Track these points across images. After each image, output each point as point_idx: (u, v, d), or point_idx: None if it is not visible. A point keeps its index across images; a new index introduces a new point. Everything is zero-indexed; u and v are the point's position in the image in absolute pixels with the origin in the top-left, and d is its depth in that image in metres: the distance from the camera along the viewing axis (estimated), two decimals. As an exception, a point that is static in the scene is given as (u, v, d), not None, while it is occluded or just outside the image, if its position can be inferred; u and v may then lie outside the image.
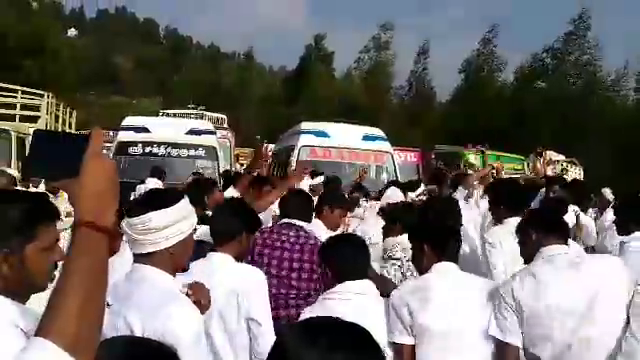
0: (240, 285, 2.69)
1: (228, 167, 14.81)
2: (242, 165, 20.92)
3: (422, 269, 2.93)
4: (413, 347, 2.72)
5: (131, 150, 11.50)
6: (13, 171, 7.85)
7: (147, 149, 11.51)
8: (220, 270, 2.70)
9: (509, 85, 44.36)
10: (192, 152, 11.71)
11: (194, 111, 23.25)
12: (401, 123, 40.39)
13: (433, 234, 2.92)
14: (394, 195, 5.79)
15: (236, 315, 2.66)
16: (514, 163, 16.61)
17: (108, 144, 17.23)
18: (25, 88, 14.55)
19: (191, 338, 1.95)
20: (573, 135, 30.56)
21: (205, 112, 22.69)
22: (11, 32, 37.79)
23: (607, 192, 6.70)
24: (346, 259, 2.74)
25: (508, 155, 17.15)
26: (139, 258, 2.09)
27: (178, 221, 2.05)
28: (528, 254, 2.89)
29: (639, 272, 2.83)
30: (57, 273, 1.79)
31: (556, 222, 2.94)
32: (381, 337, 2.62)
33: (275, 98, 52.18)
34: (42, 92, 14.27)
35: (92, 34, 73.71)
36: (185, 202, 2.12)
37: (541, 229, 2.85)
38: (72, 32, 79.45)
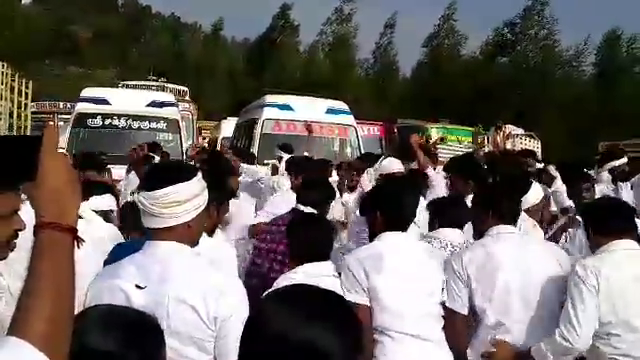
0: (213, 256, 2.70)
1: (190, 141, 14.67)
2: (205, 139, 20.71)
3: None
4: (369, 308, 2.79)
5: (90, 122, 11.24)
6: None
7: (107, 121, 11.28)
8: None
9: (470, 60, 44.82)
10: (153, 125, 11.52)
11: (155, 83, 22.77)
12: (365, 96, 40.46)
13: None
14: (392, 165, 5.43)
15: None
16: (462, 135, 16.88)
17: (66, 116, 16.85)
18: (-22, 58, 14.01)
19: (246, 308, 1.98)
20: (532, 109, 31.16)
21: (166, 84, 22.26)
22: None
23: (551, 169, 6.89)
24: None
25: (468, 129, 17.41)
26: (156, 233, 2.02)
27: (198, 194, 2.03)
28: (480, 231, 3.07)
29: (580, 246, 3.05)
30: (16, 242, 1.79)
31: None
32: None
33: (239, 70, 51.51)
34: (-4, 62, 13.77)
35: (47, 2, 71.21)
36: (200, 175, 2.10)
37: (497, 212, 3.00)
38: (27, 0, 76.64)
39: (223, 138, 16.73)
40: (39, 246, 1.08)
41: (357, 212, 4.55)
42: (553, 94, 35.04)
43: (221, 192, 2.99)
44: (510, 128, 15.91)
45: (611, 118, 31.28)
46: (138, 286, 1.92)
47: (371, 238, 3.03)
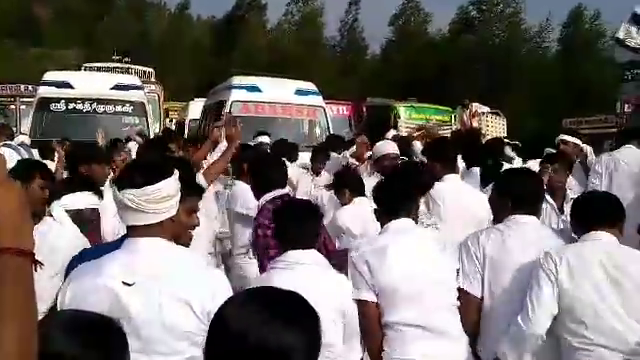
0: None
1: (157, 123, 14.47)
2: (172, 121, 20.43)
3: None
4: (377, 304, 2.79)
5: (53, 106, 11.02)
6: None
7: (70, 105, 11.07)
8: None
9: (437, 38, 45.02)
10: (119, 108, 11.36)
11: (120, 64, 22.27)
12: (333, 75, 40.36)
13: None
14: (386, 147, 5.35)
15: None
16: (442, 115, 17.02)
17: (28, 99, 16.41)
18: None
19: None
20: (498, 87, 31.53)
21: (131, 65, 21.77)
22: None
23: (508, 150, 7.08)
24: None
25: (436, 107, 17.54)
26: (141, 230, 2.01)
27: (179, 188, 2.06)
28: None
29: None
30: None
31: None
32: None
33: (205, 49, 50.73)
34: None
35: (4, -20, 68.54)
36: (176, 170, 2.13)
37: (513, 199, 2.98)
38: (-19, -23, 73.63)
39: (191, 120, 16.56)
40: (1, 271, 1.10)
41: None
42: (519, 71, 35.49)
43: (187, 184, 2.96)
44: (476, 106, 16.06)
45: (576, 95, 31.89)
46: (125, 283, 1.92)
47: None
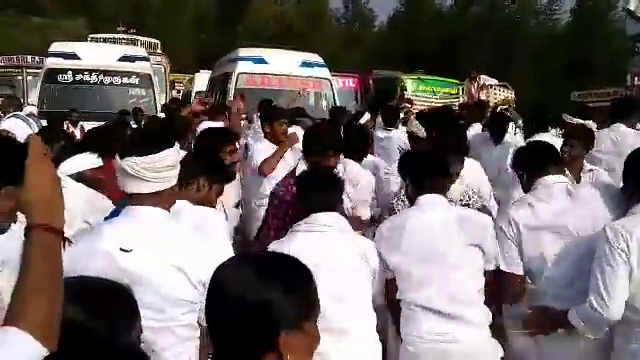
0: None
1: (163, 95, 14.46)
2: (178, 92, 20.37)
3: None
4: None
5: (61, 77, 11.05)
6: None
7: (78, 77, 11.09)
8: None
9: (445, 10, 44.41)
10: (125, 80, 11.37)
11: (126, 36, 22.14)
12: (339, 46, 39.99)
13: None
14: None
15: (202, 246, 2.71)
16: (449, 88, 16.92)
17: (35, 70, 16.37)
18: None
19: None
20: (506, 59, 31.19)
21: (137, 37, 21.63)
22: None
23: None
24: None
25: (444, 80, 17.42)
26: (140, 198, 2.03)
27: (178, 159, 2.10)
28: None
29: None
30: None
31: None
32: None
33: (211, 21, 50.22)
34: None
35: (6, -52, 67.57)
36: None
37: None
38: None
39: (197, 92, 16.52)
40: (34, 245, 1.17)
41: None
42: (527, 43, 35.07)
43: (215, 170, 2.94)
44: (484, 79, 15.95)
45: (585, 67, 31.51)
46: (123, 249, 1.95)
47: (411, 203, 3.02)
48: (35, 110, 9.90)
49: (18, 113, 7.55)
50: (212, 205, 2.88)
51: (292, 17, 45.98)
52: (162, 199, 2.05)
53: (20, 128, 6.63)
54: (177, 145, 2.11)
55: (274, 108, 6.07)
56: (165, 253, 1.99)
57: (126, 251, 1.95)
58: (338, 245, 2.69)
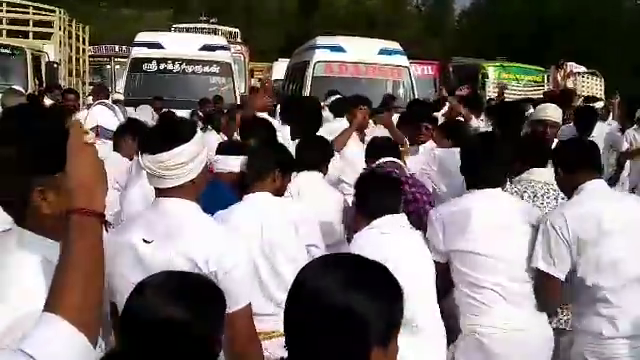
0: (296, 216, 2.80)
1: (242, 83, 14.73)
2: (259, 80, 20.69)
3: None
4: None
5: (145, 67, 11.47)
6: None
7: (161, 65, 11.48)
8: (269, 206, 2.77)
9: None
10: (206, 69, 11.66)
11: (207, 25, 22.72)
12: (419, 34, 39.27)
13: None
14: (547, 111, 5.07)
15: (296, 244, 2.74)
16: (533, 75, 16.26)
17: (122, 59, 17.12)
18: (36, 4, 14.26)
19: (247, 264, 2.11)
20: (597, 44, 29.56)
21: (218, 26, 22.14)
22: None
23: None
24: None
25: (527, 67, 16.76)
26: (163, 191, 2.06)
27: (200, 152, 2.06)
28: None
29: None
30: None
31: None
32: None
33: (289, 10, 50.67)
34: (53, 8, 14.00)
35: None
36: (200, 132, 2.15)
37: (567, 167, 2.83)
38: (78, -59, 76.28)
39: (275, 80, 16.73)
40: (72, 229, 1.19)
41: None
42: (619, 28, 33.05)
43: (286, 159, 2.96)
44: (571, 66, 15.23)
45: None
46: (145, 240, 2.00)
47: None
48: (122, 97, 10.36)
49: (105, 101, 7.89)
50: (282, 195, 2.93)
51: (371, 5, 45.53)
52: (185, 191, 2.03)
53: (106, 115, 6.93)
54: (195, 139, 2.05)
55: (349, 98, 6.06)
56: (178, 243, 1.99)
57: (147, 242, 2.00)
58: (413, 245, 2.70)
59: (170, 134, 2.04)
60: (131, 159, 4.13)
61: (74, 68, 14.60)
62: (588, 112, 6.21)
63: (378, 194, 2.74)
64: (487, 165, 2.83)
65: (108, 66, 19.49)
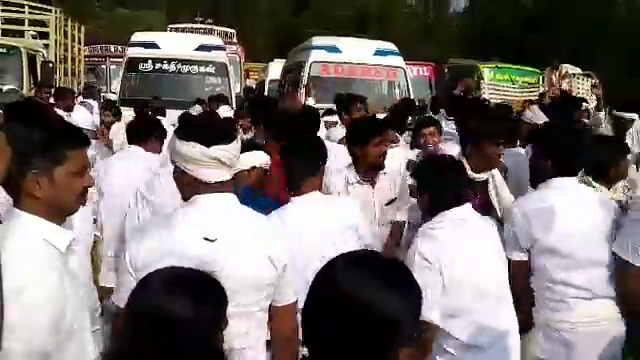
0: (354, 218, 2.85)
1: (238, 84, 14.72)
2: (255, 80, 20.68)
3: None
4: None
5: (141, 66, 11.46)
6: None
7: (157, 65, 11.46)
8: (327, 207, 2.81)
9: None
10: (202, 69, 11.66)
11: (203, 25, 22.73)
12: (413, 34, 39.32)
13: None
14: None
15: (355, 245, 2.72)
16: (529, 77, 16.30)
17: (118, 59, 17.08)
18: (32, 3, 14.21)
19: (298, 261, 2.16)
20: (591, 45, 29.65)
21: (214, 27, 22.16)
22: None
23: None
24: None
25: (522, 68, 16.80)
26: (212, 187, 2.00)
27: None
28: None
29: None
30: (88, 197, 1.90)
31: None
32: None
33: (284, 10, 50.67)
34: (49, 7, 13.96)
35: (94, -58, 70.64)
36: None
37: None
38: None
39: (270, 80, 16.73)
40: None
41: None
42: (614, 27, 33.11)
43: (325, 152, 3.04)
44: (566, 67, 15.29)
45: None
46: (207, 239, 1.94)
47: (534, 183, 2.93)
48: (114, 97, 10.40)
49: (85, 100, 8.08)
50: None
51: (365, 5, 45.54)
52: (231, 185, 2.07)
53: (82, 114, 7.31)
54: None
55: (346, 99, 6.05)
56: (248, 239, 2.01)
57: (211, 240, 1.94)
58: (486, 236, 2.63)
59: (227, 127, 2.14)
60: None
61: (69, 68, 14.57)
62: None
63: (454, 180, 2.62)
64: (576, 152, 2.83)
65: (103, 66, 19.45)
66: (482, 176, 3.25)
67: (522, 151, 4.41)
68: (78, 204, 1.79)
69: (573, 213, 2.71)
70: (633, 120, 6.19)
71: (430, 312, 2.32)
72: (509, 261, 2.69)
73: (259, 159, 3.25)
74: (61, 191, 1.69)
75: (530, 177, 3.06)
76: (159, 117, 6.48)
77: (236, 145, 2.02)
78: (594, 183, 3.52)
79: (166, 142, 4.26)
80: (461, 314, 2.45)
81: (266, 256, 2.01)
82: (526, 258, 2.75)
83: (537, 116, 5.25)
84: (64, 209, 1.75)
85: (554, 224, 2.66)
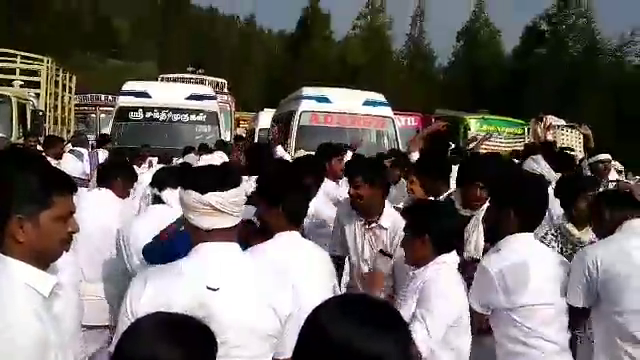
0: (330, 265, 2.81)
1: (228, 132, 14.82)
2: (245, 129, 20.84)
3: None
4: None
5: (132, 115, 11.52)
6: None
7: (148, 114, 11.54)
8: (307, 251, 2.70)
9: (513, 50, 44.00)
10: (193, 117, 11.74)
11: (194, 75, 23.04)
12: (401, 86, 40.14)
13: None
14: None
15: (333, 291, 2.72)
16: (514, 128, 16.58)
17: (108, 108, 17.19)
18: (24, 53, 14.36)
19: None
20: (575, 100, 30.37)
21: (205, 76, 22.46)
22: (6, -6, 37.16)
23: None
24: None
25: (508, 120, 17.10)
26: (216, 234, 1.97)
27: None
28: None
29: None
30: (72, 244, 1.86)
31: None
32: None
33: (276, 61, 51.67)
34: (42, 57, 14.10)
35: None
36: None
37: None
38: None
39: (260, 129, 16.87)
40: None
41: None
42: (598, 82, 34.03)
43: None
44: (551, 119, 15.56)
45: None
46: (210, 288, 1.90)
47: (494, 239, 2.90)
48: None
49: (74, 148, 8.09)
50: None
51: (355, 57, 46.62)
52: (235, 233, 2.02)
53: (71, 162, 7.31)
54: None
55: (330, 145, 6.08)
56: (251, 289, 1.96)
57: (213, 289, 1.90)
58: None
59: (231, 173, 2.08)
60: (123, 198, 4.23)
61: (59, 116, 14.61)
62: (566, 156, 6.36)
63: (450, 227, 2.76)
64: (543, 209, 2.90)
65: (93, 115, 19.55)
66: (466, 212, 3.37)
67: None
68: (62, 250, 1.76)
69: (540, 269, 2.72)
70: (610, 160, 6.33)
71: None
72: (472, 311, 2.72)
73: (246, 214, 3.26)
74: (45, 236, 1.66)
75: (490, 232, 3.08)
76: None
77: (235, 192, 1.97)
78: (571, 229, 3.62)
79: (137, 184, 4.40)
80: None
81: (270, 306, 1.96)
82: (486, 312, 2.75)
83: (541, 166, 5.31)
84: (47, 254, 1.71)
85: (530, 282, 2.66)
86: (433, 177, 3.82)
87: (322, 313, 1.17)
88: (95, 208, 3.93)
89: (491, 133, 12.74)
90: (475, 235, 3.28)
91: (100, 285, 3.92)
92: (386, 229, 3.50)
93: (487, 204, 3.33)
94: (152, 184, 3.82)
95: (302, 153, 7.22)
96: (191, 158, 8.13)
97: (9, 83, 13.26)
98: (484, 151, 12.64)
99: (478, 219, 3.30)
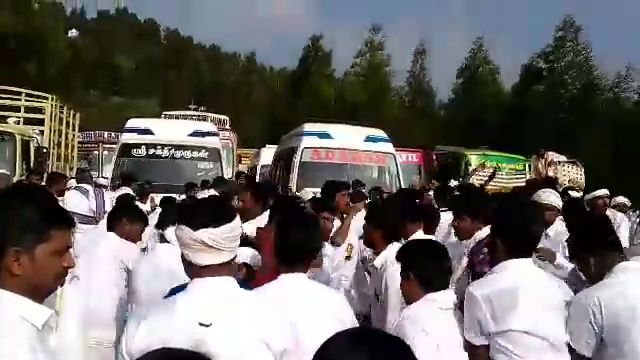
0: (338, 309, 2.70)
1: (230, 169, 14.89)
2: (247, 166, 20.94)
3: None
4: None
5: (135, 152, 11.60)
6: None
7: (151, 151, 11.62)
8: (313, 293, 2.62)
9: (511, 87, 44.50)
10: (195, 154, 11.82)
11: (197, 112, 23.29)
12: (402, 123, 40.45)
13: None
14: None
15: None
16: (515, 164, 16.63)
17: (111, 145, 17.32)
18: (29, 90, 14.54)
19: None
20: (574, 136, 30.55)
21: (207, 113, 22.72)
22: (12, 33, 37.84)
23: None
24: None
25: (509, 156, 17.18)
26: (210, 270, 1.98)
27: None
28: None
29: None
30: (67, 279, 1.86)
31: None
32: None
33: (277, 98, 52.20)
34: (46, 95, 14.27)
35: (92, 34, 73.78)
36: None
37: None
38: (73, 33, 79.37)
39: (262, 166, 16.94)
40: None
41: None
42: (596, 119, 34.31)
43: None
44: (552, 155, 15.62)
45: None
46: (202, 324, 1.90)
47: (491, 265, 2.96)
48: (106, 183, 10.47)
49: (80, 185, 8.11)
50: None
51: (355, 94, 47.09)
52: (231, 268, 2.03)
53: (76, 199, 7.32)
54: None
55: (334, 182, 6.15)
56: (244, 325, 1.95)
57: (206, 325, 1.90)
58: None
59: (224, 208, 2.09)
60: (133, 241, 4.19)
61: (63, 153, 14.70)
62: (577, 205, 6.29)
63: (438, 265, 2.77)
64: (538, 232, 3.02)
65: (96, 152, 19.68)
66: (463, 243, 3.80)
67: None
68: (56, 284, 1.75)
69: (533, 295, 2.69)
70: (608, 196, 6.38)
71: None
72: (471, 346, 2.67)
73: (244, 258, 3.25)
74: (40, 269, 1.66)
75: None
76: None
77: (229, 227, 1.98)
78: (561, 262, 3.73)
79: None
80: None
81: (263, 341, 1.95)
82: (486, 342, 2.68)
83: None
84: (42, 288, 1.70)
85: (518, 307, 2.64)
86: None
87: (330, 347, 1.16)
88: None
89: (497, 166, 12.79)
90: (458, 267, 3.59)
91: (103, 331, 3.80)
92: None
93: (480, 233, 3.61)
94: (157, 224, 3.83)
95: (308, 191, 7.22)
96: (201, 194, 8.15)
97: (15, 121, 13.40)
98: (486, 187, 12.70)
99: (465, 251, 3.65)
